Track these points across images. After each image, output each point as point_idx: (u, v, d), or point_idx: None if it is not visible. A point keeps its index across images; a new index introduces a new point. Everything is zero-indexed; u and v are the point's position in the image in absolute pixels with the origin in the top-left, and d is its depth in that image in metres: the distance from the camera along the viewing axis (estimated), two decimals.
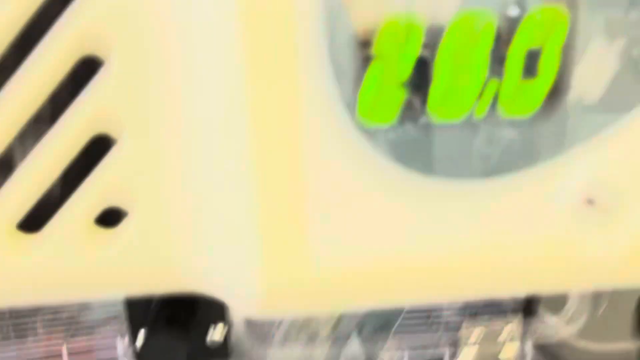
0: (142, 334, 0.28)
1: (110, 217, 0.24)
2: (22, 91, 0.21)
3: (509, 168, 0.23)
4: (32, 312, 0.29)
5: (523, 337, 0.32)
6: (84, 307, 0.30)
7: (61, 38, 0.21)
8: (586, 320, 0.32)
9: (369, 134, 0.22)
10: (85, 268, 0.23)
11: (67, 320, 0.30)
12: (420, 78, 0.22)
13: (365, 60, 0.21)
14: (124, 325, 0.29)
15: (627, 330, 0.32)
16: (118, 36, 0.21)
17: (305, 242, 0.22)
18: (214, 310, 0.28)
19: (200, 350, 0.29)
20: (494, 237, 0.23)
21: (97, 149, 0.23)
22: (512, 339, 0.32)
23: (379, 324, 0.32)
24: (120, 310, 0.28)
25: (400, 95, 0.22)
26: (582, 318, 0.32)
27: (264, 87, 0.20)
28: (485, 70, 0.22)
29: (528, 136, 0.23)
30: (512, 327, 0.32)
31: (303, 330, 0.32)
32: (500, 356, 0.32)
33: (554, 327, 0.32)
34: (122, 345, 0.30)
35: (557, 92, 0.22)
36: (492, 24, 0.21)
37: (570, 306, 0.32)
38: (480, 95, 0.22)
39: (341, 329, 0.32)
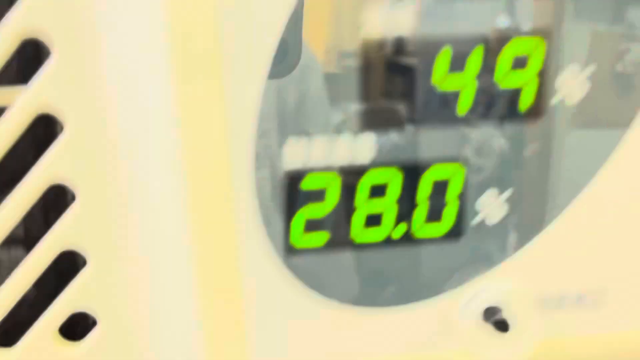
0: None
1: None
2: None
3: (428, 293, 0.27)
4: None
5: None
6: None
7: None
8: None
9: (298, 260, 0.25)
10: None
11: None
12: (345, 209, 0.25)
13: (295, 195, 0.25)
14: None
15: None
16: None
17: (245, 355, 0.25)
18: None
19: None
20: (410, 350, 0.26)
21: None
22: None
23: None
24: None
25: (328, 224, 0.25)
26: None
27: (205, 224, 0.24)
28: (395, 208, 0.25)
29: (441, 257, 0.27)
30: None
31: None
32: None
33: None
34: None
35: (464, 216, 0.26)
36: (399, 177, 0.25)
37: None
38: (396, 221, 0.26)
39: None
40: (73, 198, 0.26)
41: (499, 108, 0.25)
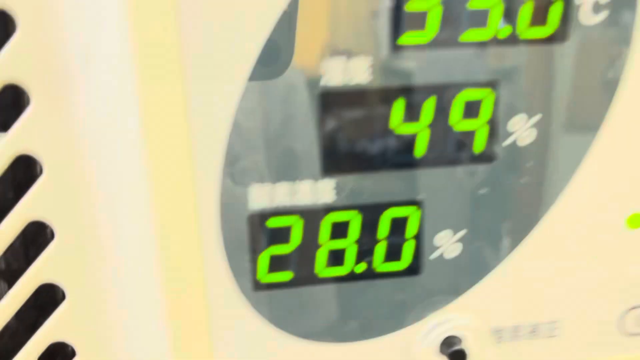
0: None
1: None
2: None
3: (390, 327, 0.28)
4: None
5: None
6: None
7: None
8: None
9: (263, 296, 0.27)
10: None
11: None
12: (309, 246, 0.27)
13: (261, 233, 0.26)
14: None
15: None
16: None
17: None
18: None
19: None
20: None
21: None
22: None
23: None
24: None
25: (292, 261, 0.27)
26: None
27: (173, 262, 0.25)
28: (356, 245, 0.27)
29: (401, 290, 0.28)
30: None
31: None
32: None
33: None
34: None
35: (422, 252, 0.28)
36: (359, 218, 0.26)
37: None
38: (358, 258, 0.27)
39: None
40: (52, 234, 0.28)
41: (453, 150, 0.26)
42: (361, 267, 0.27)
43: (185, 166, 0.25)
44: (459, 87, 0.26)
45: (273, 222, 0.26)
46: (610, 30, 0.26)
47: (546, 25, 0.26)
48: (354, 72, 0.25)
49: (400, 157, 0.26)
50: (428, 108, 0.26)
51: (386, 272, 0.28)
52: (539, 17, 0.25)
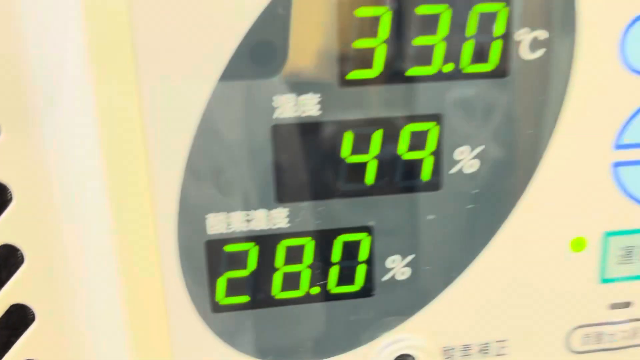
0: None
1: None
2: None
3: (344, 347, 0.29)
4: None
5: None
6: None
7: None
8: None
9: (221, 318, 0.28)
10: None
11: None
12: (266, 270, 0.28)
13: (218, 258, 0.28)
14: None
15: None
16: None
17: None
18: None
19: None
20: None
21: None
22: None
23: None
24: None
25: (250, 284, 0.28)
26: None
27: (133, 286, 0.27)
28: (311, 269, 0.28)
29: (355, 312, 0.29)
30: None
31: None
32: None
33: None
34: None
35: (374, 275, 0.29)
36: (312, 244, 0.28)
37: None
38: (313, 281, 0.29)
39: None
40: (23, 258, 0.29)
41: (402, 179, 0.28)
42: (316, 290, 0.29)
43: (145, 196, 0.26)
44: (405, 120, 0.27)
45: (230, 248, 0.28)
46: (548, 65, 0.27)
47: (488, 61, 0.27)
48: (305, 105, 0.26)
49: (351, 185, 0.28)
50: (376, 140, 0.27)
51: (340, 294, 0.29)
52: (481, 53, 0.27)
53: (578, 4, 0.27)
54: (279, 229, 0.28)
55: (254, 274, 0.28)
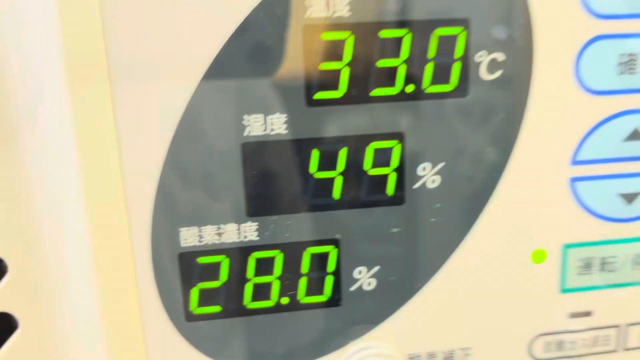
0: None
1: None
2: None
3: (313, 354, 0.31)
4: None
5: None
6: None
7: None
8: None
9: (194, 327, 0.29)
10: None
11: None
12: (237, 281, 0.30)
13: (192, 268, 0.29)
14: None
15: None
16: None
17: None
18: None
19: None
20: None
21: None
22: None
23: None
24: None
25: (222, 294, 0.30)
26: None
27: (110, 297, 0.28)
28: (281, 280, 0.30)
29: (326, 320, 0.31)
30: None
31: None
32: None
33: None
34: None
35: (342, 286, 0.30)
36: (281, 256, 0.29)
37: None
38: (283, 291, 0.30)
39: None
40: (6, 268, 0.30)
41: (367, 193, 0.29)
42: (286, 300, 0.30)
43: (121, 211, 0.28)
44: (369, 138, 0.28)
45: (203, 260, 0.29)
46: (507, 86, 0.29)
47: (448, 82, 0.28)
48: (273, 124, 0.28)
49: (318, 200, 0.29)
50: (342, 156, 0.28)
51: (309, 303, 0.30)
52: (442, 74, 0.28)
53: (534, 28, 0.28)
54: (249, 241, 0.29)
55: (225, 284, 0.29)
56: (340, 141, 0.28)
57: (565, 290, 0.32)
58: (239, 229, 0.29)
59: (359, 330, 0.31)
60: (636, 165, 0.31)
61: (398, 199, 0.29)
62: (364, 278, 0.30)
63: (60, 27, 0.25)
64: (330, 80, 0.28)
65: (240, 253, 0.29)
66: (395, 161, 0.29)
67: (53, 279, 0.30)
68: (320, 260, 0.30)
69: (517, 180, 0.30)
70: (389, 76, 0.28)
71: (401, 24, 0.27)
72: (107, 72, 0.26)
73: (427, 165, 0.29)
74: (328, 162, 0.29)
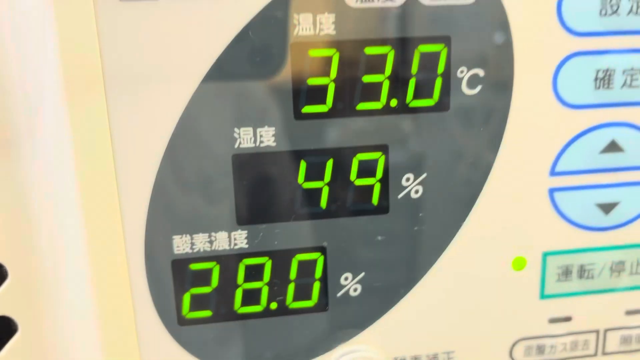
0: None
1: None
2: None
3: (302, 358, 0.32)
4: None
5: None
6: None
7: None
8: None
9: (187, 331, 0.31)
10: None
11: None
12: (228, 286, 0.31)
13: (185, 275, 0.30)
14: None
15: None
16: None
17: None
18: None
19: None
20: None
21: None
22: None
23: None
24: None
25: (213, 299, 0.31)
26: None
27: (105, 302, 0.29)
28: (269, 286, 0.31)
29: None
30: None
31: None
32: None
33: None
34: None
35: (329, 291, 0.31)
36: (270, 263, 0.30)
37: None
38: (272, 296, 0.31)
39: None
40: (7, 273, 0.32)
41: (353, 202, 0.30)
42: (275, 305, 0.31)
43: (116, 219, 0.29)
44: (355, 150, 0.30)
45: (195, 266, 0.30)
46: (487, 100, 0.30)
47: (431, 97, 0.29)
48: (263, 137, 0.29)
49: (306, 209, 0.30)
50: (328, 167, 0.30)
51: (297, 308, 0.31)
52: (425, 89, 0.29)
53: (514, 44, 0.29)
54: (240, 249, 0.30)
55: (217, 290, 0.31)
56: (327, 153, 0.30)
57: (545, 297, 0.33)
58: (229, 237, 0.30)
59: (345, 334, 0.32)
60: (612, 177, 0.32)
61: (383, 208, 0.31)
62: (350, 284, 0.31)
63: (57, 27, 0.26)
64: (317, 95, 0.29)
65: (230, 260, 0.30)
66: (380, 172, 0.30)
67: (51, 284, 0.31)
68: (308, 267, 0.31)
69: (498, 191, 0.31)
70: (373, 91, 0.29)
71: (385, 42, 0.29)
72: (102, 84, 0.27)
73: (410, 176, 0.30)
74: (315, 173, 0.30)
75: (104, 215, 0.29)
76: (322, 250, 0.31)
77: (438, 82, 0.29)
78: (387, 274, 0.32)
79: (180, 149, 0.28)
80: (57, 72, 0.27)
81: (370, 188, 0.30)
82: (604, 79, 0.30)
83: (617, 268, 0.33)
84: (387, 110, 0.29)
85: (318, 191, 0.30)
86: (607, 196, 0.32)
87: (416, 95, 0.29)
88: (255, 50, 0.28)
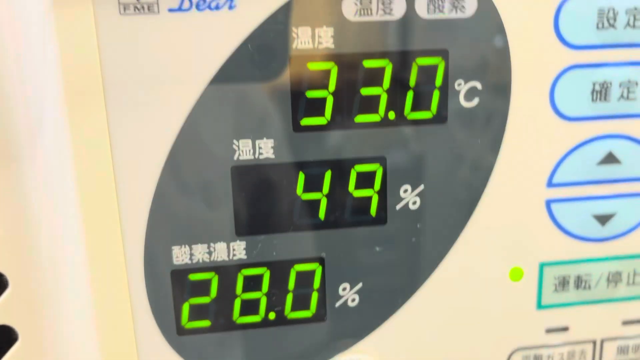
0: None
1: None
2: None
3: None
4: None
5: None
6: None
7: None
8: None
9: (186, 341, 0.31)
10: None
11: None
12: (227, 296, 0.31)
13: (184, 285, 0.30)
14: None
15: None
16: None
17: None
18: None
19: None
20: None
21: None
22: None
23: None
24: None
25: (212, 309, 0.31)
26: None
27: (105, 313, 0.30)
28: (268, 296, 0.31)
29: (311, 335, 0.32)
30: None
31: None
32: None
33: None
34: None
35: (327, 302, 0.32)
36: (268, 273, 0.31)
37: None
38: (270, 307, 0.31)
39: None
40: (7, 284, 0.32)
41: (351, 214, 0.31)
42: (273, 315, 0.31)
43: (116, 231, 0.29)
44: (353, 162, 0.30)
45: (194, 277, 0.30)
46: (485, 112, 0.30)
47: (429, 109, 0.30)
48: (262, 149, 0.29)
49: (304, 220, 0.30)
50: (327, 179, 0.30)
51: (296, 318, 0.32)
52: (422, 102, 0.30)
53: (511, 57, 0.30)
54: (238, 259, 0.30)
55: (215, 300, 0.31)
56: (326, 164, 0.30)
57: (542, 307, 0.33)
58: (228, 248, 0.30)
59: (343, 344, 0.32)
60: (609, 188, 0.32)
61: (381, 220, 0.31)
62: (348, 294, 0.32)
63: (57, 30, 0.26)
64: (316, 107, 0.29)
65: (229, 270, 0.30)
66: (378, 184, 0.30)
67: (51, 293, 0.31)
68: (306, 278, 0.31)
69: (496, 202, 0.31)
70: (372, 103, 0.29)
71: (383, 55, 0.29)
72: (103, 96, 0.28)
73: (408, 187, 0.30)
74: (314, 184, 0.30)
75: (104, 225, 0.29)
76: (321, 260, 0.31)
77: (436, 95, 0.30)
78: (385, 285, 0.32)
79: (179, 161, 0.29)
80: (58, 84, 0.28)
81: (368, 199, 0.30)
82: (601, 92, 0.31)
83: (614, 278, 0.34)
84: (385, 122, 0.30)
85: (316, 202, 0.30)
86: (603, 207, 0.32)
87: (414, 108, 0.30)
88: (254, 63, 0.28)
